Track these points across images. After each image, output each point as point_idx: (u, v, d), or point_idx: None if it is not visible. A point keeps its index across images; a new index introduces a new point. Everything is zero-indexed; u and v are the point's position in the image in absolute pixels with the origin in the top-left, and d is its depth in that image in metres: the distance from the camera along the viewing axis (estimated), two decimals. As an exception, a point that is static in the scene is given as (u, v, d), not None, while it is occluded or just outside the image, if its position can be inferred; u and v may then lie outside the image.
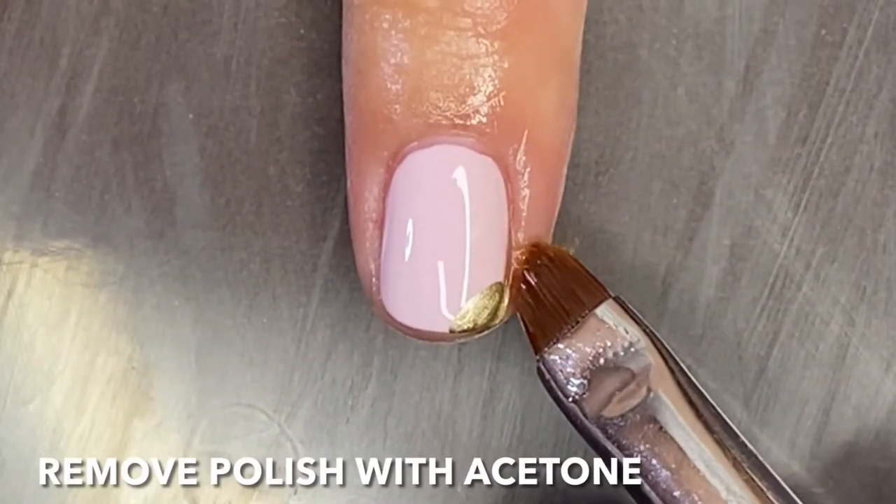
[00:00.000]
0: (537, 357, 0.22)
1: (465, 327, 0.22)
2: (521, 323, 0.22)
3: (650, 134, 0.25)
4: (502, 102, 0.21)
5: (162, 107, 0.25)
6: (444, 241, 0.22)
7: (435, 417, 0.25)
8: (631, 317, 0.22)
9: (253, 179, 0.25)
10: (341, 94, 0.24)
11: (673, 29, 0.25)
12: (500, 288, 0.22)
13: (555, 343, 0.22)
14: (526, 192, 0.22)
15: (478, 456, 0.25)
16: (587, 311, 0.22)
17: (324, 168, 0.25)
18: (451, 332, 0.22)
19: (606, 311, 0.22)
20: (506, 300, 0.22)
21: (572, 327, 0.22)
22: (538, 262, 0.22)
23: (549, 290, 0.22)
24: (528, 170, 0.22)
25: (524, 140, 0.22)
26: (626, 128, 0.25)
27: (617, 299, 0.22)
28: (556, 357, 0.22)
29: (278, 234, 0.25)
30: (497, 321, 0.22)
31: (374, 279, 0.22)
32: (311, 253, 0.25)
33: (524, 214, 0.22)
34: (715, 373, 0.25)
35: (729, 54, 0.25)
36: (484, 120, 0.21)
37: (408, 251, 0.22)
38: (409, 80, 0.21)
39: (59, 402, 0.25)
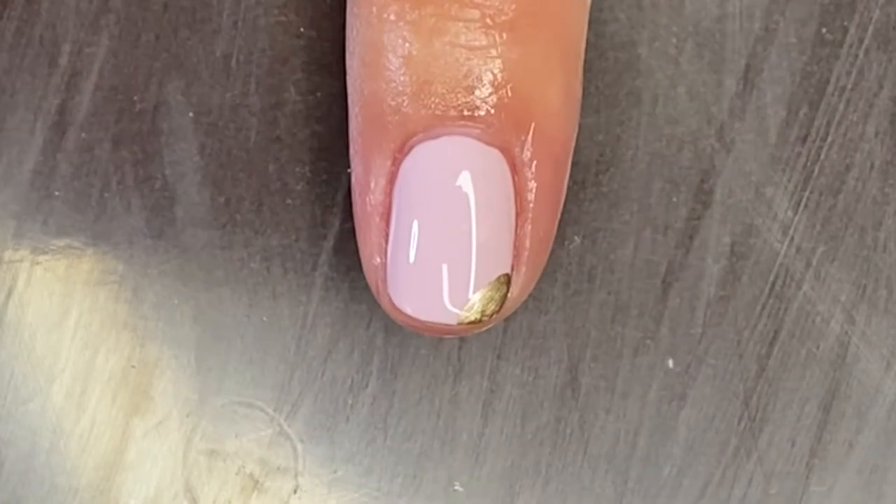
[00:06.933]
0: None
1: (473, 319, 0.22)
2: None
3: (650, 132, 0.25)
4: (510, 94, 0.21)
5: (162, 105, 0.25)
6: (452, 234, 0.22)
7: (435, 417, 0.25)
8: None
9: (253, 178, 0.25)
10: (342, 92, 0.24)
11: (673, 27, 0.25)
12: (506, 279, 0.22)
13: None
14: (533, 184, 0.22)
15: (478, 455, 0.25)
16: None
17: (324, 166, 0.25)
18: (460, 324, 0.22)
19: None
20: (513, 290, 0.22)
21: None
22: None
23: None
24: (534, 162, 0.22)
25: (531, 132, 0.22)
26: (627, 126, 0.25)
27: None
28: None
29: (278, 232, 0.25)
30: (503, 311, 0.22)
31: (380, 273, 0.22)
32: (312, 251, 0.25)
33: (531, 206, 0.22)
34: (715, 371, 0.25)
35: (729, 53, 0.25)
36: (492, 112, 0.21)
37: (415, 246, 0.22)
38: (417, 72, 0.21)
39: (59, 400, 0.25)
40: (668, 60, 0.25)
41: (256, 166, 0.25)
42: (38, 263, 0.25)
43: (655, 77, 0.25)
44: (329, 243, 0.25)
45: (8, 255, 0.25)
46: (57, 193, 0.25)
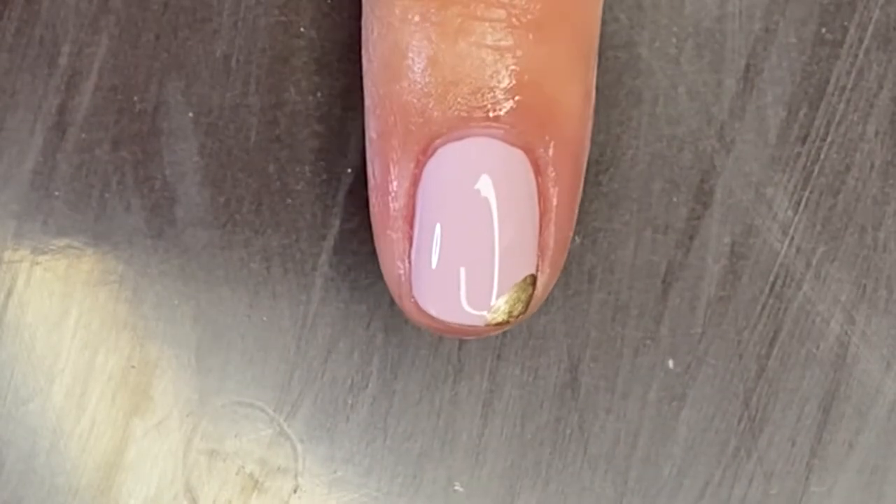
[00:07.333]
0: None
1: (500, 320, 0.22)
2: None
3: (651, 132, 0.25)
4: (536, 94, 0.21)
5: (162, 105, 0.25)
6: (478, 236, 0.21)
7: (435, 417, 0.25)
8: None
9: (253, 178, 0.25)
10: (342, 92, 0.24)
11: (673, 27, 0.25)
12: (532, 280, 0.22)
13: None
14: (555, 184, 0.22)
15: (478, 456, 0.25)
16: None
17: (324, 166, 0.25)
18: (487, 325, 0.22)
19: None
20: (537, 290, 0.22)
21: None
22: None
23: None
24: (557, 162, 0.22)
25: (555, 132, 0.22)
26: (627, 126, 0.25)
27: None
28: None
29: (278, 232, 0.25)
30: (528, 311, 0.22)
31: (404, 277, 0.22)
32: (312, 251, 0.25)
33: (555, 206, 0.22)
34: (715, 371, 0.25)
35: (729, 53, 0.25)
36: (517, 112, 0.21)
37: (442, 249, 0.21)
38: (443, 73, 0.21)
39: (59, 400, 0.25)
40: (669, 60, 0.25)
41: (256, 166, 0.25)
42: (37, 263, 0.25)
43: (656, 77, 0.25)
44: (329, 243, 0.25)
45: (8, 255, 0.25)
46: (57, 193, 0.25)
